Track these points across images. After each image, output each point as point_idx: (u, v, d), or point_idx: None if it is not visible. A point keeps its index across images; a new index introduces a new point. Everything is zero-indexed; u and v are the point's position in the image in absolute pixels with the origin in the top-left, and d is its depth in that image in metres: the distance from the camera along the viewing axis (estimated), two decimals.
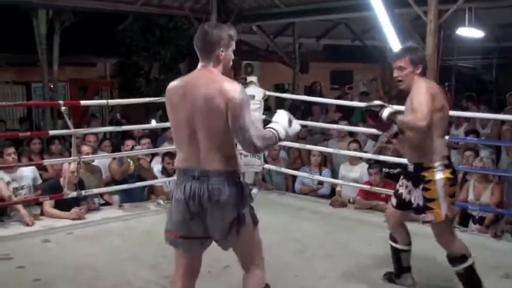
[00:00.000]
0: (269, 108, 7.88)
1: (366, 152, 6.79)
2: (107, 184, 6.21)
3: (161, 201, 6.13)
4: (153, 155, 7.08)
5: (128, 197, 6.19)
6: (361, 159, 6.49)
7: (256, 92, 6.37)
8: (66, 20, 10.23)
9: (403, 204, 3.57)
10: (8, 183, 5.46)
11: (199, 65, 2.72)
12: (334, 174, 6.89)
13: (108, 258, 4.42)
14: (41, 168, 6.41)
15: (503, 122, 7.27)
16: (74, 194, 5.36)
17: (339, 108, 9.13)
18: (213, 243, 2.81)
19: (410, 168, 3.50)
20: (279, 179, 7.21)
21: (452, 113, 3.66)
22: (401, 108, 3.66)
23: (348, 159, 6.61)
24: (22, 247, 4.67)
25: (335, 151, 6.76)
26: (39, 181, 6.03)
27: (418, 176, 3.43)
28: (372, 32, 11.42)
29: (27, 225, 5.16)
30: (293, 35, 11.63)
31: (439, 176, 3.35)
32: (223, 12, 9.37)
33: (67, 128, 5.62)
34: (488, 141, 7.02)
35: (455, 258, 3.47)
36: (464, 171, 5.63)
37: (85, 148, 5.93)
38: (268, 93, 6.62)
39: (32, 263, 4.26)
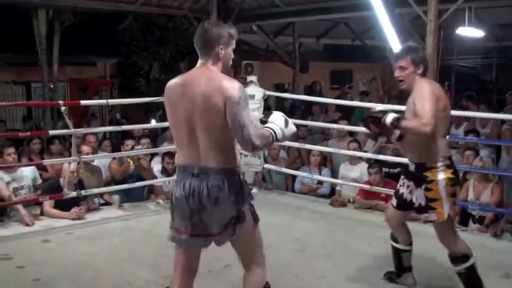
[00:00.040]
0: (269, 108, 7.90)
1: (365, 151, 6.78)
2: (107, 184, 6.21)
3: (161, 201, 6.13)
4: (153, 155, 7.08)
5: (128, 196, 6.18)
6: (361, 158, 6.49)
7: (256, 91, 6.37)
8: (66, 20, 10.24)
9: (404, 205, 3.56)
10: (8, 183, 5.45)
11: (199, 62, 2.72)
12: (334, 173, 6.89)
13: (108, 258, 4.42)
14: (41, 168, 6.40)
15: (503, 121, 7.27)
16: (73, 194, 5.36)
17: (339, 107, 9.13)
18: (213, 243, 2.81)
19: (412, 168, 3.49)
20: (279, 178, 7.21)
21: (452, 112, 3.65)
22: (403, 108, 3.66)
23: (348, 158, 6.61)
24: (22, 247, 4.66)
25: (335, 151, 6.76)
26: (39, 181, 6.03)
27: (420, 176, 3.42)
28: (372, 31, 11.43)
29: (27, 225, 5.16)
30: (293, 35, 11.64)
31: (441, 176, 3.35)
32: (223, 11, 9.38)
33: (67, 128, 5.62)
34: (488, 141, 7.03)
35: (457, 258, 3.46)
36: (464, 170, 5.63)
37: (85, 148, 5.93)
38: (268, 92, 6.62)
39: (31, 263, 4.26)
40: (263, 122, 2.76)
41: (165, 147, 6.96)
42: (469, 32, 9.38)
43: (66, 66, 11.63)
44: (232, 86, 2.57)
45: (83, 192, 5.46)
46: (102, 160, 6.49)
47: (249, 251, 2.79)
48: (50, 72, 10.20)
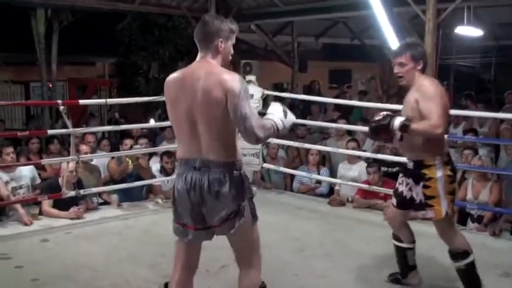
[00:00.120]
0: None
1: (364, 150, 6.79)
2: (106, 183, 6.20)
3: (160, 201, 6.13)
4: (152, 154, 7.08)
5: (127, 196, 6.18)
6: (359, 158, 6.50)
7: (255, 91, 6.37)
8: (64, 20, 10.21)
9: (404, 203, 3.56)
10: (6, 182, 5.45)
11: (198, 56, 2.73)
12: (333, 173, 6.89)
13: (107, 258, 4.42)
14: (40, 167, 6.40)
15: (501, 120, 7.27)
16: (72, 193, 5.36)
17: (338, 107, 9.14)
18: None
19: (410, 165, 3.49)
20: (278, 178, 7.22)
21: (450, 111, 3.66)
22: (400, 107, 3.65)
23: (347, 158, 6.61)
24: (20, 247, 4.66)
25: (334, 150, 6.76)
26: (38, 181, 6.02)
27: (418, 174, 3.42)
28: (371, 30, 11.41)
29: (26, 224, 5.16)
30: (292, 34, 11.62)
31: (440, 173, 3.35)
32: (222, 10, 9.37)
33: (66, 127, 5.61)
34: (487, 140, 7.03)
35: (458, 254, 3.46)
36: (463, 169, 5.64)
37: (83, 147, 5.93)
38: (266, 92, 6.62)
39: (30, 263, 4.25)
40: (262, 114, 2.76)
41: (164, 147, 6.96)
42: (468, 31, 9.38)
43: (64, 65, 11.60)
44: (232, 78, 2.58)
45: (81, 191, 5.46)
46: (101, 159, 6.49)
47: (246, 248, 2.77)
48: (49, 71, 10.18)
